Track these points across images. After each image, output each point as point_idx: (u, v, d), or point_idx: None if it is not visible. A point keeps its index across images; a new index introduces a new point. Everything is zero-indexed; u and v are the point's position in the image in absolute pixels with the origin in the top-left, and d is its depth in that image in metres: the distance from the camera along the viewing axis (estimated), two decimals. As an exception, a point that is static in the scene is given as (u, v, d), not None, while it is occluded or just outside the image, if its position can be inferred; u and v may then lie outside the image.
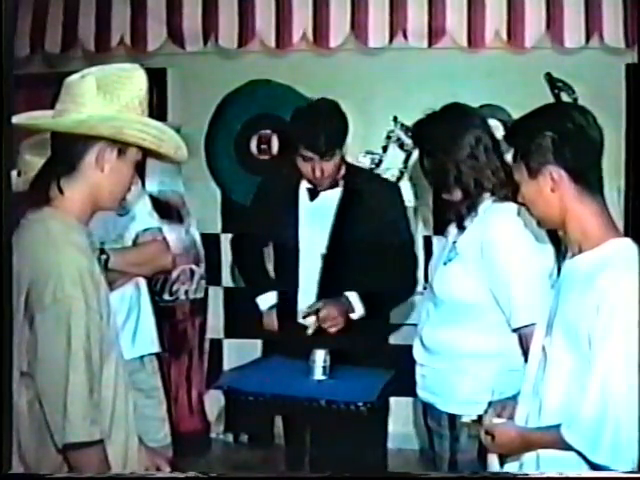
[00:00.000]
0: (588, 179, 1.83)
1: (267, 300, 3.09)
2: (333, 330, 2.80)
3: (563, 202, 1.83)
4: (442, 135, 2.42)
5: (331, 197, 2.98)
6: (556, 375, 1.83)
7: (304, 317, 2.83)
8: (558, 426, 1.78)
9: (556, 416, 1.81)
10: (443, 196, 2.51)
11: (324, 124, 2.84)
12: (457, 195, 2.45)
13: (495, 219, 2.38)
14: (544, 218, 1.92)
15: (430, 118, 2.49)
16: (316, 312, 2.80)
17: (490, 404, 2.10)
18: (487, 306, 2.38)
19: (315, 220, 2.99)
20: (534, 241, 2.31)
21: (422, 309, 2.60)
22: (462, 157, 2.40)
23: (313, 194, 3.00)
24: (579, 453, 1.76)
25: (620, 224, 4.65)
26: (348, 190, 2.98)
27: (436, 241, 2.67)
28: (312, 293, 2.94)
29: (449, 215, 2.53)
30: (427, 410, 2.56)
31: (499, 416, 2.02)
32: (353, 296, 2.86)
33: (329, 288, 2.92)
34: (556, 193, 1.83)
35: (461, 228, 2.46)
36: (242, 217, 3.43)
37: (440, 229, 2.78)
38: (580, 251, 1.84)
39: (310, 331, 2.79)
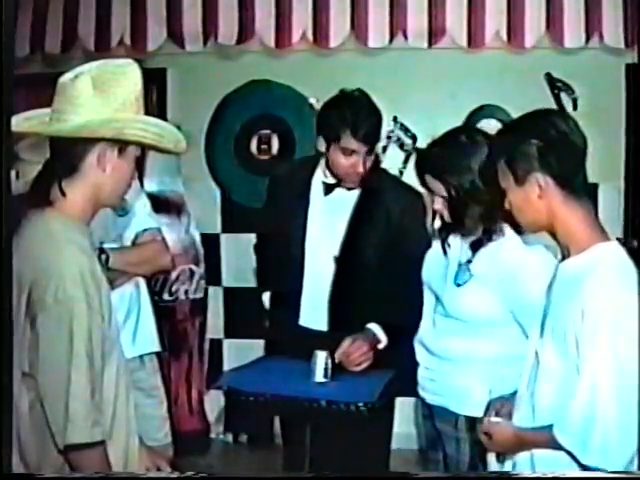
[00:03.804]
0: (574, 184, 1.85)
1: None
2: (364, 365, 2.68)
3: (550, 208, 1.85)
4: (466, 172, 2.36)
5: (347, 195, 2.84)
6: (547, 377, 1.87)
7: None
8: (551, 426, 1.82)
9: (548, 417, 1.85)
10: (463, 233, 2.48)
11: (369, 114, 2.70)
12: (479, 230, 2.43)
13: (515, 244, 2.36)
14: (531, 224, 1.94)
15: (452, 156, 2.41)
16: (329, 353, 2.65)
17: (489, 405, 2.12)
18: (503, 320, 2.38)
19: (326, 216, 2.86)
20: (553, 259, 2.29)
21: (425, 315, 2.60)
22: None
23: (329, 188, 2.85)
24: (570, 454, 1.80)
25: (620, 224, 4.66)
26: (367, 190, 2.83)
27: (435, 244, 2.62)
28: (321, 296, 2.85)
29: (459, 233, 2.49)
30: (435, 412, 2.55)
31: (497, 414, 2.05)
32: (376, 328, 2.74)
33: (342, 295, 2.83)
34: (543, 199, 1.85)
35: (474, 250, 2.44)
36: (257, 219, 3.39)
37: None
38: (568, 255, 1.87)
39: (321, 377, 2.62)
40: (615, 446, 1.73)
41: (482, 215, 2.37)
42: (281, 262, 2.96)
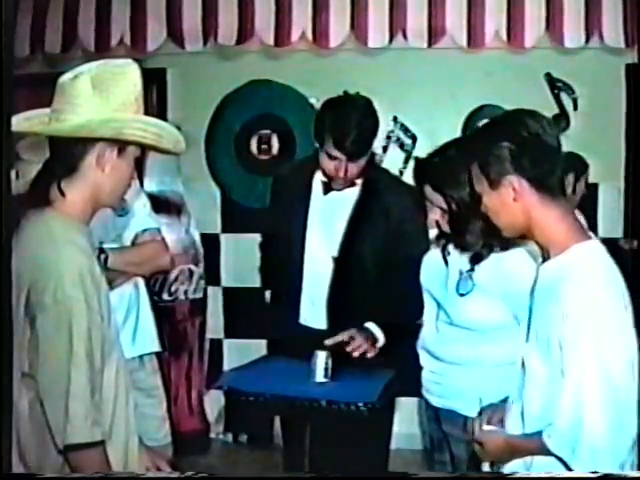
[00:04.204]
0: (549, 185, 1.82)
1: None
2: (370, 354, 2.67)
3: (526, 210, 1.82)
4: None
5: (347, 195, 2.85)
6: (534, 382, 1.84)
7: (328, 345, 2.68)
8: (541, 432, 1.80)
9: (537, 423, 1.83)
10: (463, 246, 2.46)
11: (357, 123, 2.68)
12: (479, 245, 2.42)
13: (516, 249, 2.35)
14: (509, 228, 1.90)
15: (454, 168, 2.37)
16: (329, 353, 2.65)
17: (481, 413, 2.09)
18: (509, 325, 2.37)
19: (326, 216, 2.87)
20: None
21: (427, 322, 2.60)
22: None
23: (327, 188, 2.87)
24: (561, 459, 1.78)
25: (620, 224, 4.66)
26: (367, 191, 2.85)
27: (433, 250, 2.61)
28: (320, 295, 2.87)
29: (459, 247, 2.47)
30: (441, 415, 2.55)
31: (489, 422, 2.03)
32: (373, 326, 2.73)
33: (340, 294, 2.84)
34: (519, 202, 1.82)
35: (474, 263, 2.43)
36: (262, 218, 3.40)
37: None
38: (548, 257, 1.84)
39: (321, 377, 2.62)
40: (604, 449, 1.71)
41: (483, 230, 2.33)
42: (283, 261, 2.97)
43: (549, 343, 1.77)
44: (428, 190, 2.43)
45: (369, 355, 2.68)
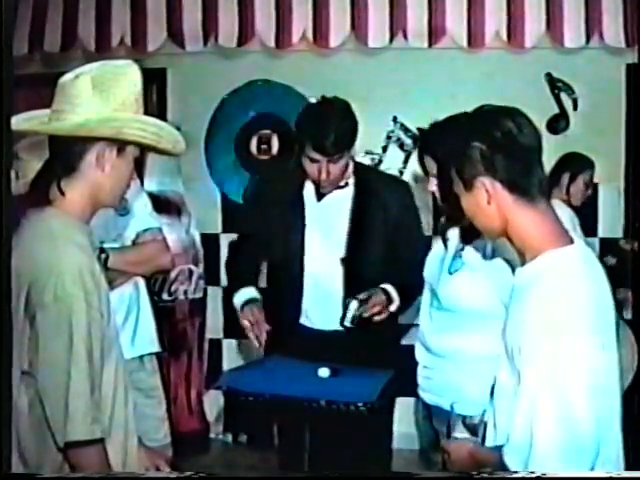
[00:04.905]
0: (524, 187, 1.73)
1: (243, 295, 2.93)
2: (381, 317, 2.76)
3: (502, 213, 1.74)
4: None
5: (341, 197, 2.91)
6: (501, 392, 1.79)
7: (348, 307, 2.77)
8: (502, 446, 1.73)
9: (505, 435, 1.74)
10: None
11: (333, 125, 2.75)
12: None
13: None
14: (487, 230, 1.84)
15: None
16: (360, 302, 2.75)
17: (452, 420, 2.01)
18: (497, 311, 2.36)
19: (323, 221, 2.92)
20: None
21: (423, 312, 2.60)
22: None
23: (320, 194, 2.93)
24: None
25: (620, 224, 4.65)
26: (360, 190, 2.92)
27: (434, 243, 2.64)
28: (329, 297, 2.89)
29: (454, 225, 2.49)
30: (433, 412, 2.54)
31: (461, 429, 1.95)
32: (390, 288, 2.81)
33: (354, 294, 2.82)
34: (493, 204, 1.74)
35: (465, 242, 2.43)
36: (238, 217, 3.40)
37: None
38: (525, 262, 1.77)
39: (348, 322, 2.73)
40: (557, 466, 1.60)
41: None
42: (277, 264, 3.00)
43: (512, 352, 1.71)
44: (427, 160, 2.45)
45: (381, 317, 2.75)
